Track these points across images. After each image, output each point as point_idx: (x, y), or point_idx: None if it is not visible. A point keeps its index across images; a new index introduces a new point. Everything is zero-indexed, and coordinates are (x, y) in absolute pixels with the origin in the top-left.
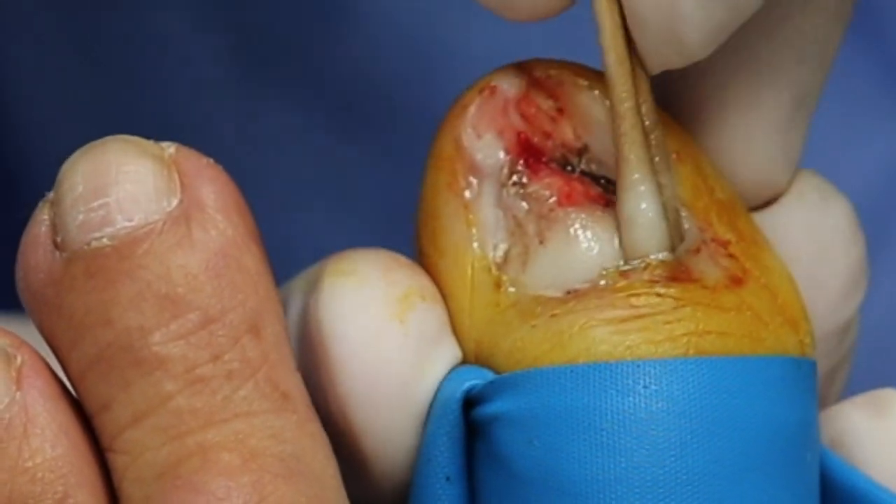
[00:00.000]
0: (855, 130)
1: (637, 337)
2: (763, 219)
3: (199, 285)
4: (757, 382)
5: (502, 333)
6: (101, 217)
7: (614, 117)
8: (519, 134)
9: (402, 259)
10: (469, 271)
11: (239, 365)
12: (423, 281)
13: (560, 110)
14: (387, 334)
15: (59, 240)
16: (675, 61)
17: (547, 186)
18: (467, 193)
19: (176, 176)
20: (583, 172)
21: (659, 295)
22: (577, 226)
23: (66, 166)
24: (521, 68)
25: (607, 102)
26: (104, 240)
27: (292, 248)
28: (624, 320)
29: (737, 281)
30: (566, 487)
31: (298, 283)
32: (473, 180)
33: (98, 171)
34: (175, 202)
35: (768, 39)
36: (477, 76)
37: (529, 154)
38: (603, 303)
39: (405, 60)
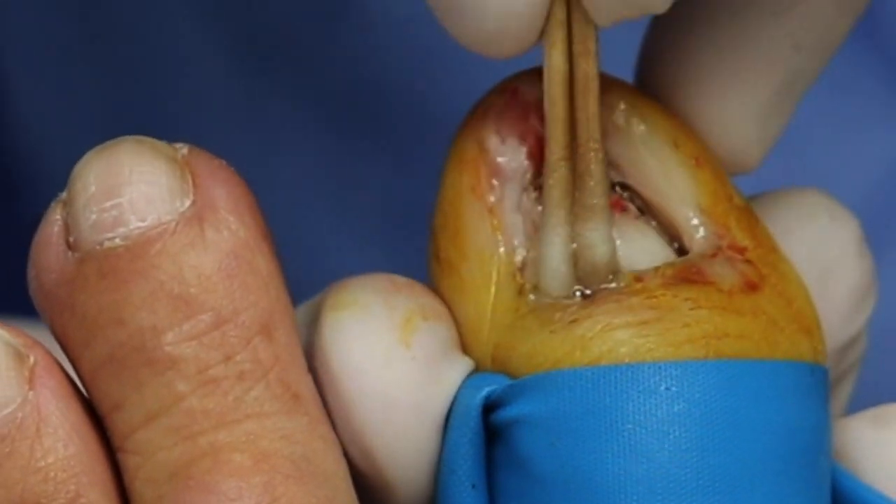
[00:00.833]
0: (857, 129)
1: (657, 339)
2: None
3: (211, 286)
4: (774, 386)
5: (521, 338)
6: (114, 217)
7: (545, 162)
8: (539, 139)
9: (399, 280)
10: (494, 276)
11: (251, 366)
12: (422, 300)
13: None
14: (394, 362)
15: (71, 240)
16: (627, 12)
17: None
18: (491, 197)
19: (189, 177)
20: None
21: (675, 297)
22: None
23: (79, 166)
24: (539, 73)
25: (623, 106)
26: (117, 240)
27: (295, 246)
28: (644, 322)
29: (753, 286)
30: (588, 488)
31: (299, 316)
32: (496, 184)
33: (111, 172)
34: (188, 203)
35: (768, 23)
36: (479, 75)
37: None
38: (621, 306)
39: (408, 59)
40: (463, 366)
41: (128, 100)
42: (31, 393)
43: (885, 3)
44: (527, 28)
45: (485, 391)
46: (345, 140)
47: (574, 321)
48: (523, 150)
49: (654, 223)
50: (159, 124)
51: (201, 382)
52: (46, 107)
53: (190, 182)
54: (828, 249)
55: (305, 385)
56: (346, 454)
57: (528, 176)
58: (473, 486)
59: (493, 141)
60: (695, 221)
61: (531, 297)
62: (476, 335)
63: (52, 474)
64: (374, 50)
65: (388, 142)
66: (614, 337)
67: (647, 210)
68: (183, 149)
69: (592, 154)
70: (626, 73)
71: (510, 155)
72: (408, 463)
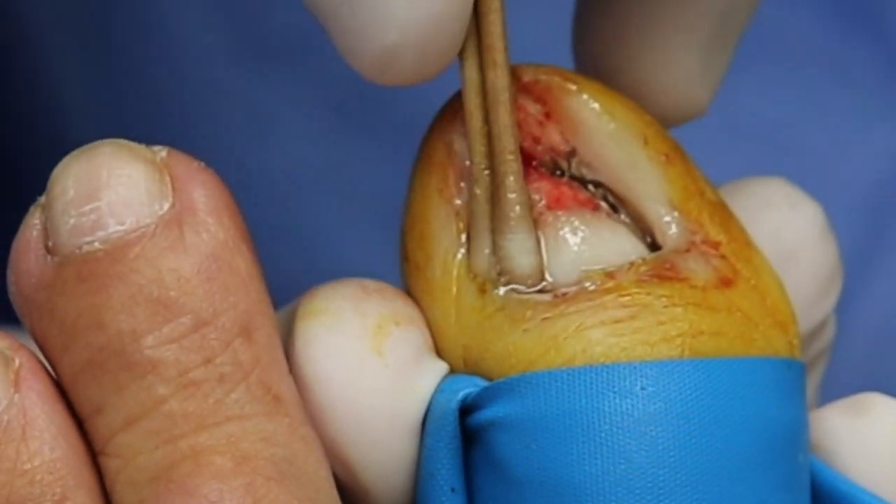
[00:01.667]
0: (856, 126)
1: (632, 338)
2: None
3: (190, 289)
4: (751, 383)
5: (491, 339)
6: (93, 221)
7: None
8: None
9: (371, 285)
10: (454, 276)
11: (231, 368)
12: (395, 305)
13: (548, 115)
14: (367, 369)
15: (50, 244)
16: None
17: (536, 191)
18: (458, 199)
19: (168, 179)
20: (572, 176)
21: (648, 294)
22: (566, 229)
23: (58, 170)
24: (510, 73)
25: (595, 105)
26: (96, 244)
27: (295, 241)
28: (617, 321)
29: (726, 282)
30: (565, 490)
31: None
32: (464, 186)
33: (89, 175)
34: (167, 206)
35: None
36: None
37: None
38: (594, 304)
39: None
40: (437, 370)
41: (129, 100)
42: (16, 396)
43: (886, 3)
44: (451, 37)
45: (461, 394)
46: (345, 135)
47: (546, 320)
48: None
49: (626, 220)
50: (162, 122)
51: (181, 385)
52: (48, 107)
53: (169, 185)
54: (788, 236)
55: (286, 387)
56: None
57: None
58: (453, 490)
59: (460, 143)
60: (667, 218)
61: (496, 292)
62: (444, 338)
63: (38, 477)
64: None
65: (388, 137)
66: (588, 337)
67: (620, 208)
68: (161, 151)
69: (506, 166)
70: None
71: None
72: (384, 470)
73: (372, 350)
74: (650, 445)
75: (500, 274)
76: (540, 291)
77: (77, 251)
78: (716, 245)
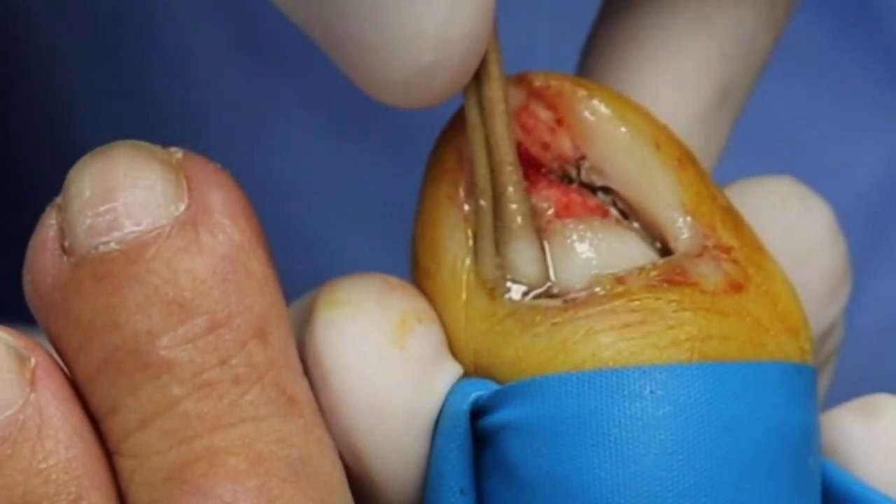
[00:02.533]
0: (857, 129)
1: (641, 342)
2: None
3: (206, 290)
4: (761, 387)
5: (502, 343)
6: (109, 221)
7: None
8: (519, 145)
9: (394, 281)
10: (464, 282)
11: (246, 369)
12: (417, 302)
13: (559, 121)
14: (388, 362)
15: (66, 244)
16: None
17: (545, 198)
18: (468, 206)
19: (184, 181)
20: (581, 183)
21: (658, 299)
22: (574, 237)
23: (74, 171)
24: (521, 79)
25: (606, 110)
26: (112, 244)
27: (298, 244)
28: (627, 325)
29: (737, 287)
30: (575, 494)
31: (292, 313)
32: (474, 193)
33: (106, 176)
34: (183, 207)
35: (698, 28)
36: None
37: (528, 165)
38: (604, 309)
39: None
40: (454, 371)
41: (132, 99)
42: (32, 395)
43: (885, 3)
44: (480, 55)
45: (472, 397)
46: (349, 138)
47: (556, 324)
48: None
49: (637, 226)
50: (164, 124)
51: (196, 386)
52: (49, 106)
53: (185, 186)
54: (800, 237)
55: (301, 388)
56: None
57: None
58: (462, 492)
59: (470, 151)
60: (679, 223)
61: (506, 297)
62: (455, 342)
63: (53, 476)
64: None
65: (391, 140)
66: (598, 341)
67: (630, 214)
68: (178, 153)
69: (506, 177)
70: None
71: None
72: (396, 464)
73: (394, 343)
74: (659, 448)
75: (507, 282)
76: (550, 297)
77: (93, 251)
78: (728, 250)
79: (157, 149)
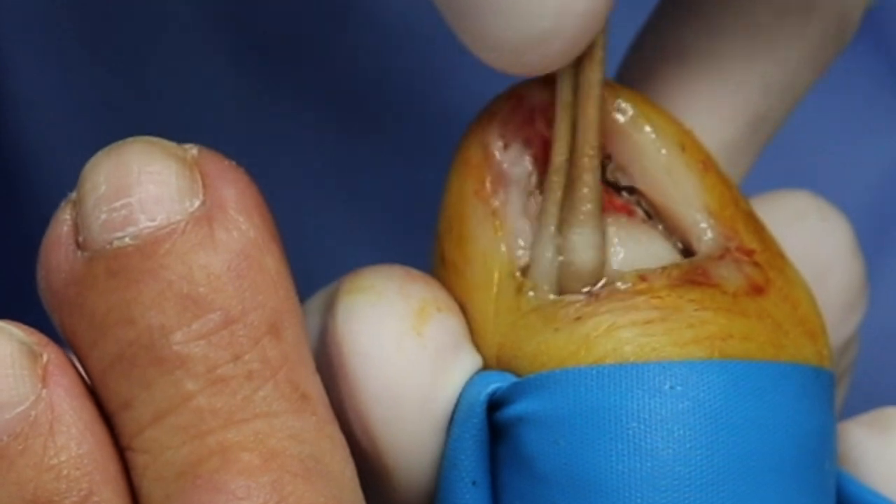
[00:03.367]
0: (858, 131)
1: (662, 339)
2: None
3: (220, 285)
4: (779, 388)
5: (525, 337)
6: (124, 217)
7: (550, 163)
8: (544, 144)
9: (415, 272)
10: (495, 276)
11: (259, 365)
12: (437, 292)
13: None
14: (406, 348)
15: (81, 239)
16: None
17: None
18: (495, 201)
19: (198, 177)
20: (607, 182)
21: (680, 297)
22: None
23: (89, 166)
24: (549, 79)
25: (632, 112)
26: (126, 239)
27: (298, 245)
28: (648, 322)
29: (758, 289)
30: (592, 487)
31: (314, 304)
32: (501, 188)
33: (121, 172)
34: (197, 203)
35: (742, 64)
36: (488, 75)
37: None
38: (626, 305)
39: (416, 58)
40: (472, 361)
41: (131, 99)
42: (44, 391)
43: (885, 5)
44: (597, 29)
45: (490, 388)
46: (349, 139)
47: (578, 319)
48: (527, 155)
49: (660, 227)
50: (162, 124)
51: (210, 381)
52: (48, 105)
53: (199, 182)
54: (819, 251)
55: (313, 385)
56: (351, 436)
57: (533, 180)
58: (474, 483)
59: (497, 145)
60: (703, 224)
61: (530, 294)
62: (481, 336)
63: (64, 472)
64: (384, 48)
65: (392, 140)
66: (619, 336)
67: (654, 214)
68: (192, 149)
69: (587, 160)
70: None
71: (514, 159)
72: (410, 450)
73: (413, 330)
74: (677, 444)
75: (558, 271)
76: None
77: (108, 246)
78: (750, 253)
79: (172, 145)
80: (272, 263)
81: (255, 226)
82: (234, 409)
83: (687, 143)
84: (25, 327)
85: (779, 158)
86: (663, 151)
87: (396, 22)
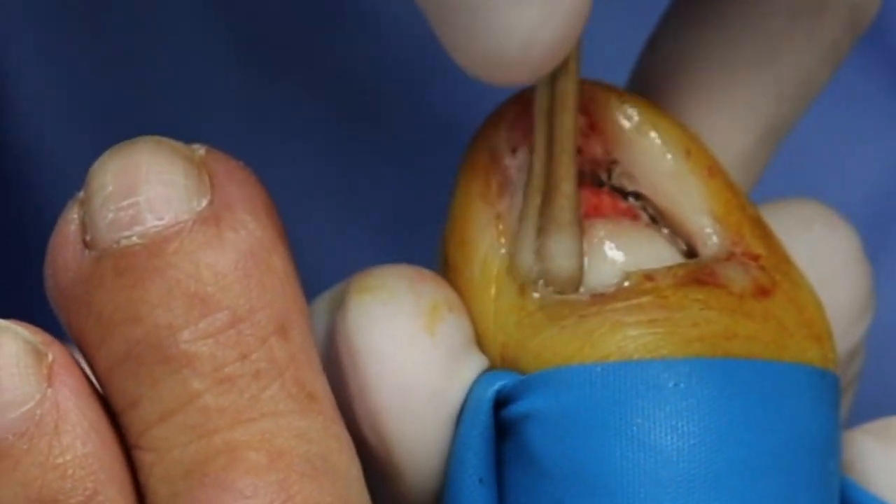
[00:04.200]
0: (858, 132)
1: (667, 337)
2: None
3: (228, 285)
4: (783, 387)
5: (529, 335)
6: (131, 216)
7: (529, 171)
8: None
9: (426, 272)
10: (494, 276)
11: (266, 365)
12: (448, 293)
13: (591, 126)
14: (417, 346)
15: (88, 238)
16: None
17: None
18: (500, 204)
19: (206, 177)
20: (612, 187)
21: (685, 297)
22: (602, 235)
23: (96, 166)
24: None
25: (638, 117)
26: (134, 238)
27: (297, 246)
28: (653, 320)
29: (764, 291)
30: (596, 483)
31: (322, 303)
32: (506, 191)
33: (128, 171)
34: (205, 202)
35: (759, 71)
36: None
37: None
38: (631, 304)
39: (413, 58)
40: (480, 362)
41: (130, 99)
42: (49, 390)
43: (886, 7)
44: (552, 54)
45: (496, 386)
46: (348, 139)
47: (583, 317)
48: None
49: (665, 232)
50: (161, 123)
51: (217, 380)
52: (47, 104)
53: (207, 182)
54: (826, 260)
55: (320, 385)
56: (359, 434)
57: None
58: (481, 481)
59: (504, 149)
60: (708, 229)
61: (535, 294)
62: (483, 337)
63: (69, 471)
64: (382, 48)
65: (391, 141)
66: (624, 334)
67: (659, 219)
68: (200, 149)
69: (563, 169)
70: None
71: (521, 164)
72: (419, 449)
73: (424, 329)
74: (680, 440)
75: (539, 276)
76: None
77: (115, 245)
78: (756, 257)
79: (180, 145)
80: (280, 263)
81: (263, 226)
82: (241, 408)
83: (692, 149)
84: (30, 326)
85: (778, 159)
86: (668, 157)
87: (396, 22)
